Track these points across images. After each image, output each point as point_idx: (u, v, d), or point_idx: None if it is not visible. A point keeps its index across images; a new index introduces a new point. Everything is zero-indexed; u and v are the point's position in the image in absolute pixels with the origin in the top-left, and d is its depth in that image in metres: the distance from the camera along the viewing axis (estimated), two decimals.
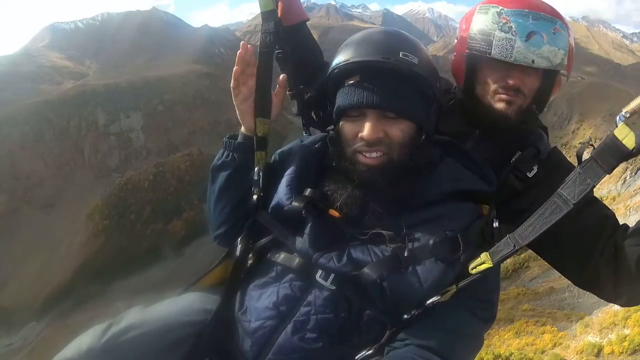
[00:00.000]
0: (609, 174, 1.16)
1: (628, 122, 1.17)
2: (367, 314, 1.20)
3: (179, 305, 1.39)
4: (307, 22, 1.90)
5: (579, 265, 1.38)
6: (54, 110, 78.67)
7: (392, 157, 1.23)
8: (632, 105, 1.17)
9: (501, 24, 1.43)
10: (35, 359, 45.51)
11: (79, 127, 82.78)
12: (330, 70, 1.30)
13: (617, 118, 1.19)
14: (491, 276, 1.24)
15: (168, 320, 1.29)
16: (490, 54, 1.44)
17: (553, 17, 1.44)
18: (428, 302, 1.16)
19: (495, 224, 1.27)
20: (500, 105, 1.50)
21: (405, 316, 1.18)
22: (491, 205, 1.32)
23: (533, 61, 1.41)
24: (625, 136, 1.13)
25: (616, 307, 21.06)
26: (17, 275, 56.65)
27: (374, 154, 1.23)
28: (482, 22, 1.49)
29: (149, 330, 1.23)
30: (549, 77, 1.51)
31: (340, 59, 1.26)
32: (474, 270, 1.18)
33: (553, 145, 1.65)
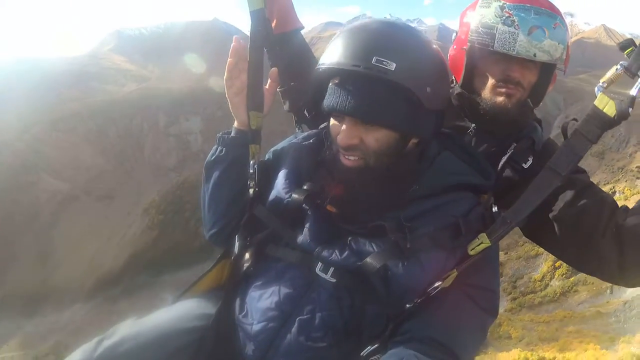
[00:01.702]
0: (595, 143, 1.21)
1: (606, 91, 1.21)
2: (371, 307, 1.19)
3: (176, 312, 1.35)
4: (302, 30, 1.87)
5: (580, 250, 1.38)
6: (118, 110, 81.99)
7: (369, 162, 1.21)
8: (608, 75, 1.21)
9: (504, 17, 1.45)
10: (77, 339, 45.31)
11: (140, 126, 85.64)
12: (317, 67, 1.28)
13: (596, 89, 1.23)
14: (490, 263, 1.25)
15: (165, 329, 1.24)
16: (493, 47, 1.46)
17: (553, 12, 1.48)
18: (430, 288, 1.16)
19: (495, 209, 1.27)
20: (499, 99, 1.52)
21: (408, 305, 1.17)
22: (489, 193, 1.32)
23: (535, 55, 1.44)
24: (605, 105, 1.17)
25: None
26: (72, 258, 57.91)
27: (351, 157, 1.22)
28: (484, 16, 1.49)
29: (145, 341, 1.17)
30: (546, 71, 1.56)
31: (324, 58, 1.24)
32: (473, 251, 1.19)
33: (547, 138, 1.68)
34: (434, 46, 1.26)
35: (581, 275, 28.93)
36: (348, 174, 1.21)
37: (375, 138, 1.19)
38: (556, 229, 1.40)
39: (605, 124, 1.17)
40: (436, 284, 1.15)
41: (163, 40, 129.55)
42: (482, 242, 1.18)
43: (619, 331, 19.71)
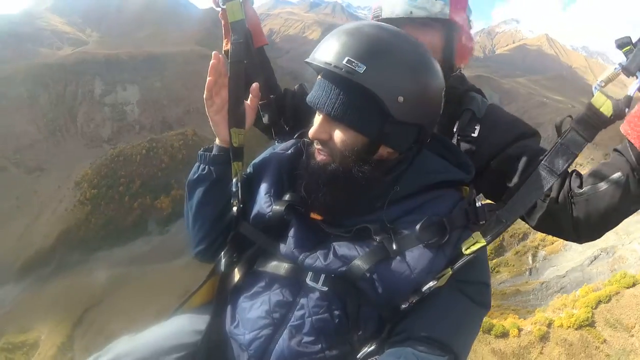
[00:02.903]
0: (589, 142, 1.20)
1: (604, 90, 1.21)
2: (363, 310, 1.18)
3: (169, 329, 1.37)
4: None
5: (538, 214, 1.45)
6: (51, 75, 77.82)
7: (335, 161, 1.21)
8: (607, 74, 1.21)
9: None
10: (10, 322, 45.19)
11: (75, 94, 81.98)
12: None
13: (593, 88, 1.23)
14: (481, 258, 1.25)
15: (158, 346, 1.25)
16: (382, 15, 1.64)
17: None
18: (424, 288, 1.14)
19: (478, 204, 1.27)
20: None
21: (403, 306, 1.16)
22: (470, 186, 1.34)
23: (411, 12, 1.58)
24: (602, 104, 1.16)
25: (569, 292, 24.13)
26: None
27: (321, 152, 1.24)
28: None
29: (140, 358, 1.20)
30: (444, 30, 1.67)
31: (312, 53, 1.25)
32: (468, 250, 1.18)
33: (490, 103, 1.72)
34: (432, 61, 1.23)
35: (503, 258, 32.06)
36: (315, 168, 1.23)
37: (341, 138, 1.19)
38: (511, 191, 1.42)
39: (601, 123, 1.16)
40: (430, 284, 1.14)
41: (104, 2, 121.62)
42: (477, 242, 1.18)
43: (537, 307, 23.06)
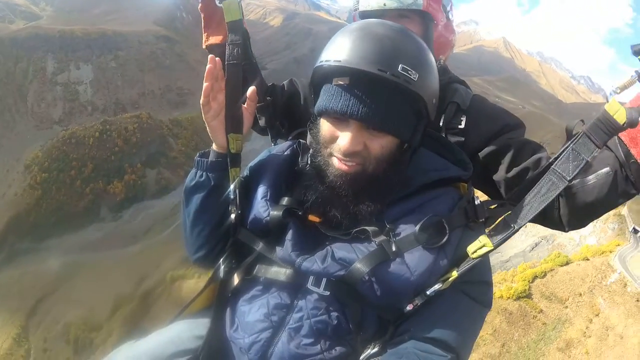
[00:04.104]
0: (600, 148, 1.16)
1: (618, 98, 1.17)
2: (364, 311, 1.15)
3: (168, 335, 1.35)
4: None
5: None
6: (2, 50, 74.08)
7: (367, 169, 1.15)
8: (624, 81, 1.19)
9: None
10: None
11: (25, 71, 78.76)
12: (320, 63, 1.16)
13: (609, 94, 1.21)
14: (485, 258, 1.20)
15: (159, 352, 1.25)
16: (358, 9, 1.72)
17: None
18: (430, 291, 1.11)
19: (477, 202, 1.23)
20: None
21: (408, 309, 1.13)
22: (468, 183, 1.31)
23: (385, 4, 1.60)
24: (616, 111, 1.13)
25: (508, 268, 29.07)
26: None
27: (349, 163, 1.15)
28: None
29: None
30: (420, 22, 1.66)
31: (333, 55, 1.12)
32: (475, 254, 1.13)
33: (474, 94, 1.71)
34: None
35: None
36: (342, 179, 1.15)
37: (381, 145, 1.14)
38: (501, 188, 1.46)
39: (614, 130, 1.12)
40: (436, 287, 1.11)
41: None
42: (484, 245, 1.13)
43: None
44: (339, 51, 1.12)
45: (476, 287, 1.19)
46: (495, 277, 23.62)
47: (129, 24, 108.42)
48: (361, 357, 1.16)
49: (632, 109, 1.13)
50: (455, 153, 1.34)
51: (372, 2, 1.58)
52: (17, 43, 78.01)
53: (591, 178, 1.29)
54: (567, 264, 24.14)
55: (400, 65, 1.08)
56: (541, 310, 20.89)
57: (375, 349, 1.15)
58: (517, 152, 1.45)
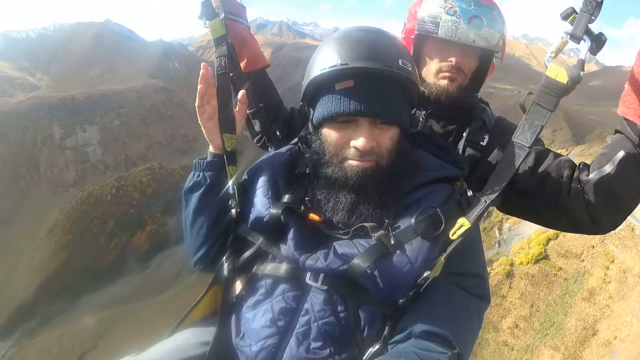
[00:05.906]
0: (553, 111, 1.24)
1: (556, 61, 1.26)
2: (366, 308, 1.17)
3: (173, 344, 1.36)
4: (261, 43, 2.12)
5: (552, 211, 1.49)
6: (8, 123, 75.09)
7: (381, 164, 1.20)
8: (555, 44, 1.25)
9: (447, 8, 1.63)
10: None
11: (34, 140, 79.34)
12: (321, 71, 1.18)
13: (545, 60, 1.29)
14: (474, 249, 1.27)
15: None
16: (437, 34, 1.64)
17: (491, 5, 1.66)
18: (419, 279, 1.14)
19: (469, 193, 1.33)
20: (443, 82, 1.68)
21: (401, 301, 1.15)
22: (461, 180, 1.37)
23: (474, 40, 1.61)
24: (557, 73, 1.21)
25: (524, 237, 27.81)
26: None
27: (366, 160, 1.20)
28: (430, 7, 1.67)
29: None
30: (485, 58, 1.73)
31: (332, 61, 1.16)
32: (454, 235, 1.18)
33: (497, 116, 1.80)
34: None
35: None
36: (361, 179, 1.18)
37: (390, 137, 1.20)
38: (525, 198, 1.50)
39: (560, 91, 1.20)
40: (425, 274, 1.13)
41: (52, 43, 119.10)
42: (462, 225, 1.17)
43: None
44: (337, 57, 1.17)
45: (469, 280, 1.21)
46: (514, 248, 25.62)
47: (126, 81, 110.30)
48: (364, 357, 1.16)
49: (571, 67, 1.21)
50: (451, 154, 1.40)
51: (461, 35, 1.61)
52: (21, 114, 79.16)
53: (608, 166, 1.31)
54: None
55: (399, 60, 1.17)
56: (560, 268, 22.28)
57: (377, 347, 1.15)
58: (540, 159, 1.53)
